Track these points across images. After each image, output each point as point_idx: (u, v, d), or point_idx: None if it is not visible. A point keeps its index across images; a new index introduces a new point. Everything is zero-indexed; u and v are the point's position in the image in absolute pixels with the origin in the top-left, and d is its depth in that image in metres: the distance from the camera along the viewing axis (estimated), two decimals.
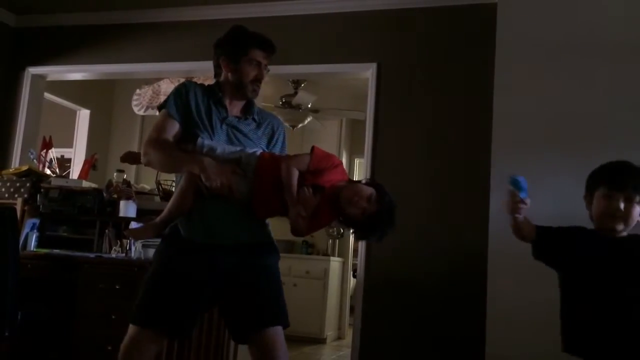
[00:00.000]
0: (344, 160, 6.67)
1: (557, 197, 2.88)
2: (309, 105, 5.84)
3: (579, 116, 2.98)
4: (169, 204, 2.06)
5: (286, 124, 5.84)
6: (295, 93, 5.67)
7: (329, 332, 6.18)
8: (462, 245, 3.53)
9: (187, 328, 2.04)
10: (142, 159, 2.09)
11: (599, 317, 1.79)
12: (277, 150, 2.22)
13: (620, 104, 2.93)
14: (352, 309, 5.47)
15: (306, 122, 5.92)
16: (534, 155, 3.00)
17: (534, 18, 3.16)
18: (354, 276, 5.49)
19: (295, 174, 1.97)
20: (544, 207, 2.87)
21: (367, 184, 2.04)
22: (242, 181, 1.98)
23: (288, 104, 5.78)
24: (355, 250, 6.35)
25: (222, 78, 2.18)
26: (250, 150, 2.06)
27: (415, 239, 3.65)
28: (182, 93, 2.11)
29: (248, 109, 2.20)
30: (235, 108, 2.18)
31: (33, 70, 4.75)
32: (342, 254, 6.66)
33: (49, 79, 4.90)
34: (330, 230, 6.36)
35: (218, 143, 2.05)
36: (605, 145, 2.89)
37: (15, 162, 4.59)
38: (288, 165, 1.99)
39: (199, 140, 2.02)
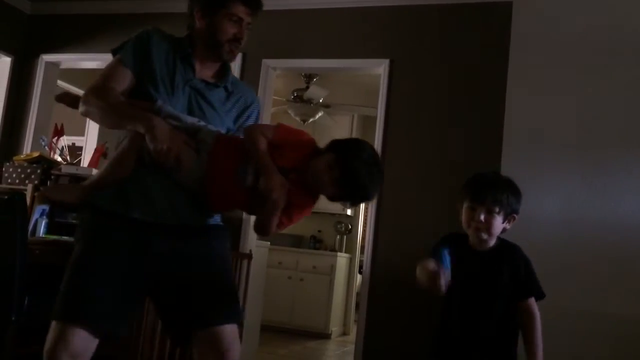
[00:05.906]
0: None
1: (565, 201, 2.86)
2: (321, 100, 5.83)
3: (594, 118, 2.94)
4: (103, 169, 1.71)
5: (297, 118, 5.83)
6: (307, 87, 5.65)
7: (334, 328, 6.18)
8: None
9: (118, 325, 1.65)
10: (81, 107, 1.71)
11: (464, 329, 1.92)
12: None
13: (637, 106, 2.88)
14: (357, 305, 5.47)
15: (317, 117, 5.91)
16: (545, 157, 2.97)
17: (550, 17, 3.12)
18: (361, 272, 5.49)
19: (262, 142, 1.60)
20: (552, 211, 2.85)
21: (326, 148, 1.65)
22: (194, 158, 1.63)
23: (299, 98, 5.77)
24: (363, 247, 6.35)
25: (194, 32, 1.80)
26: (212, 128, 1.71)
27: (422, 237, 3.61)
28: (144, 40, 1.77)
29: (222, 75, 1.83)
30: (205, 70, 1.81)
31: (47, 57, 4.78)
32: (350, 249, 6.65)
33: (62, 66, 4.93)
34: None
35: (180, 113, 1.68)
36: (619, 150, 2.86)
37: (27, 149, 4.63)
38: (251, 131, 1.66)
39: (158, 102, 1.65)
